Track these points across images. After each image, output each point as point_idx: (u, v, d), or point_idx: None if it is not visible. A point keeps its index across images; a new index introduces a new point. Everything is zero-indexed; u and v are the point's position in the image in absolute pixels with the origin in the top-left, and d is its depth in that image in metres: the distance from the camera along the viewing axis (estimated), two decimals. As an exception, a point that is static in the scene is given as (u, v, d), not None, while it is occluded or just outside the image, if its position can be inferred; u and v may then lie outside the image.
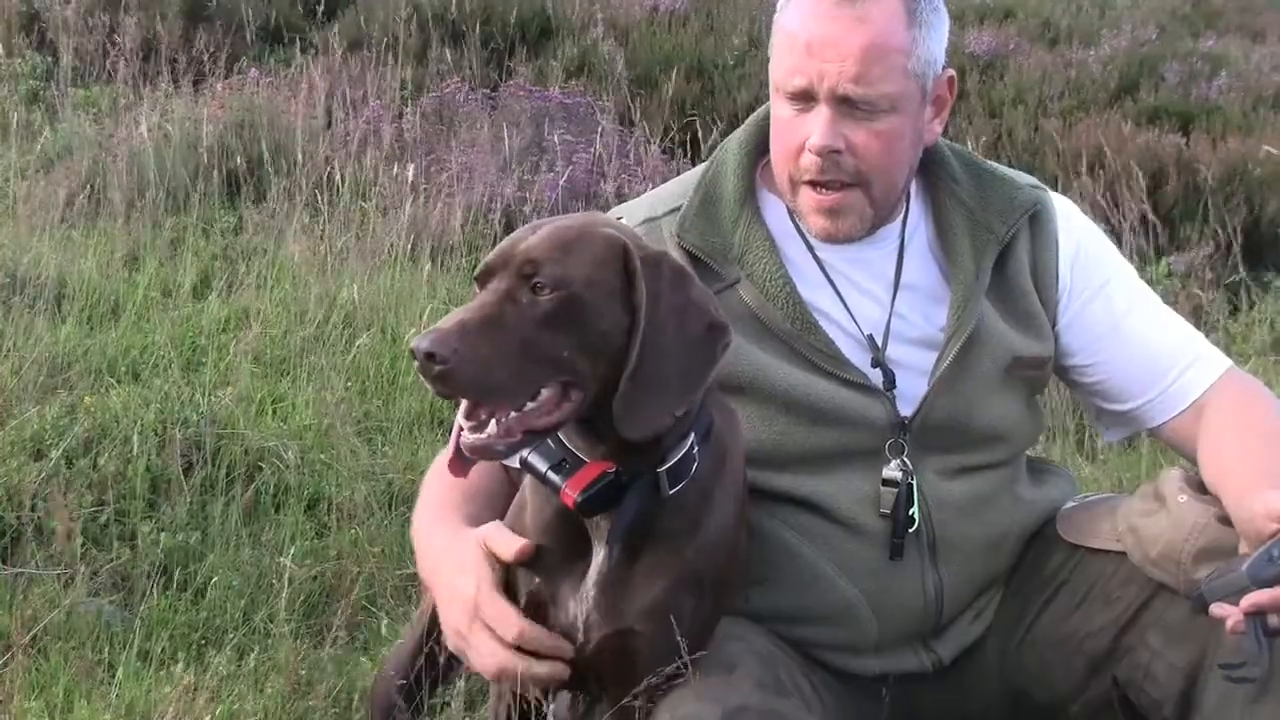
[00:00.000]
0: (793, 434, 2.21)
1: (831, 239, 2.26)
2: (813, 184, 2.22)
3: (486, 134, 6.91)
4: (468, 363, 1.75)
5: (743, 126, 2.39)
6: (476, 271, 1.89)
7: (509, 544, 2.00)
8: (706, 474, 1.97)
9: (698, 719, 1.86)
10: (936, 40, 2.23)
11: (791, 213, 2.30)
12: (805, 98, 2.19)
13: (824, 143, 2.17)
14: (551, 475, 1.92)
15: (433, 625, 2.18)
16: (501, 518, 2.10)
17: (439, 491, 2.23)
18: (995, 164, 2.43)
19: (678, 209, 2.31)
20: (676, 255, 2.15)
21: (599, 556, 1.96)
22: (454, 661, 2.17)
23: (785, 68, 2.20)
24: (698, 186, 2.33)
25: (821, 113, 2.17)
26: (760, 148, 2.35)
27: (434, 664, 2.25)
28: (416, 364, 1.75)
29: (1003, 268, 2.31)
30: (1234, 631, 1.95)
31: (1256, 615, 1.93)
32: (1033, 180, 2.41)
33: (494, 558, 2.02)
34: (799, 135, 2.20)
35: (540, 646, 1.98)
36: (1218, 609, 1.98)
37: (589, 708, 2.04)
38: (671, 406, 1.87)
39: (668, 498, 1.93)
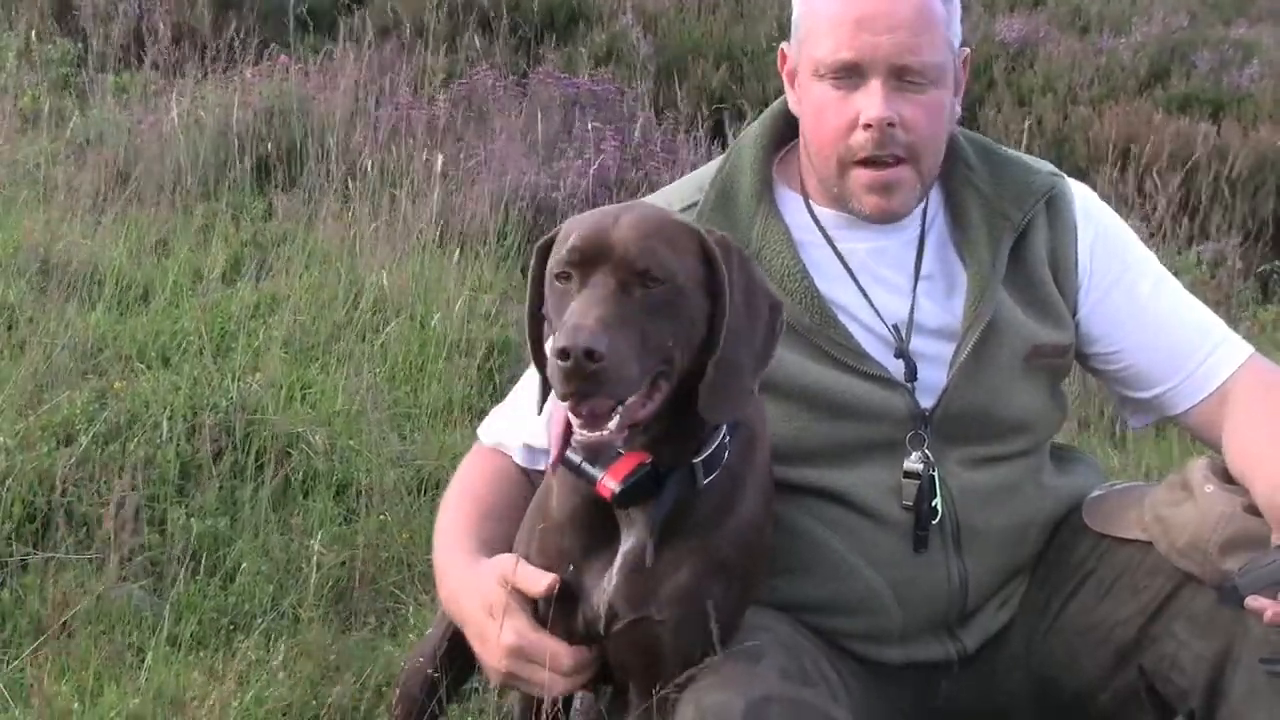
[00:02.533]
0: (813, 429, 2.20)
1: (886, 215, 2.25)
2: (865, 162, 2.21)
3: (516, 121, 6.92)
4: (618, 359, 1.72)
5: (758, 121, 2.39)
6: (568, 259, 1.82)
7: (537, 580, 1.98)
8: (737, 462, 1.97)
9: (723, 708, 1.86)
10: (958, 15, 2.26)
11: (810, 206, 2.31)
12: (852, 73, 2.18)
13: (883, 114, 2.16)
14: (587, 467, 1.90)
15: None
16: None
17: (454, 513, 2.26)
18: (1010, 150, 2.42)
19: (694, 205, 2.30)
20: None
21: (627, 545, 1.95)
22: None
23: (829, 45, 2.19)
24: (713, 182, 2.32)
25: (874, 87, 2.17)
26: (776, 142, 2.36)
27: (462, 652, 2.25)
28: (566, 363, 1.69)
29: (1020, 255, 2.30)
30: (1273, 623, 1.93)
31: None
32: (1050, 166, 2.40)
33: (520, 593, 2.01)
34: (847, 114, 2.19)
35: (591, 664, 2.00)
36: (1254, 601, 1.96)
37: (612, 697, 2.04)
38: (748, 387, 1.89)
39: (702, 487, 1.94)
